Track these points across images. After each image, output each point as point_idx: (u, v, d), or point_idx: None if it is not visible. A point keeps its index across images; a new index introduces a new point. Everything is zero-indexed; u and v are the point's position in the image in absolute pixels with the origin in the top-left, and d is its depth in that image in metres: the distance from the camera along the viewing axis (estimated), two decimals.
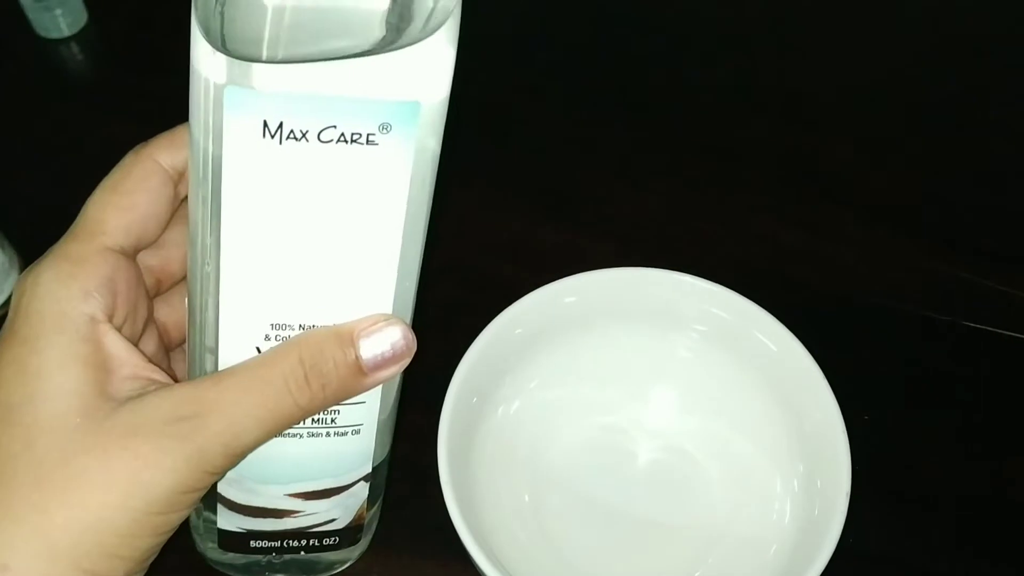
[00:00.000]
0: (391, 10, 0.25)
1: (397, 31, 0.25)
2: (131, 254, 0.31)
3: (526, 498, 0.41)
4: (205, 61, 0.24)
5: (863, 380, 0.47)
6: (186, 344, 0.32)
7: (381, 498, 0.38)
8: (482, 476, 0.40)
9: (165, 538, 0.29)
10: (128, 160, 0.31)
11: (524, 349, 0.42)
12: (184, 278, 0.32)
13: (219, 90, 0.25)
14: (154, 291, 0.33)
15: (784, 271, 0.51)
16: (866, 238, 0.53)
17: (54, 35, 0.59)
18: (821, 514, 0.37)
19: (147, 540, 0.28)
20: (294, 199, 0.27)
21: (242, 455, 0.29)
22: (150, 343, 0.33)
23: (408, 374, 0.45)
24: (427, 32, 0.25)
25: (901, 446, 0.46)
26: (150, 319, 0.33)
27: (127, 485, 0.27)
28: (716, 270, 0.43)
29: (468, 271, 0.50)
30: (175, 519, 0.29)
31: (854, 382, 0.41)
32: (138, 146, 0.31)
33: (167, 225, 0.32)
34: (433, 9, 0.25)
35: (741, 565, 0.39)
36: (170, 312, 0.34)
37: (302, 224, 0.27)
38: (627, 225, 0.53)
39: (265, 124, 0.25)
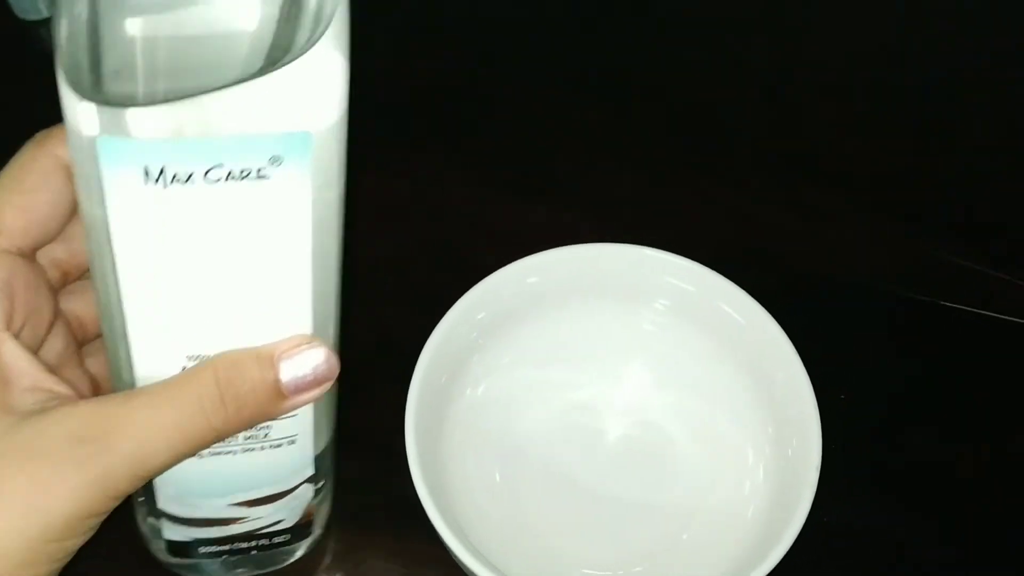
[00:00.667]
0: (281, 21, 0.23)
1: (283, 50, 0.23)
2: (30, 254, 0.29)
3: (497, 477, 0.41)
4: (73, 111, 0.23)
5: (841, 360, 0.47)
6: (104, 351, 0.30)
7: (330, 485, 0.37)
8: (452, 455, 0.40)
9: (62, 564, 0.28)
10: (28, 154, 0.29)
11: (492, 328, 0.42)
12: None
13: (92, 142, 0.23)
14: (60, 283, 0.32)
15: (764, 250, 0.51)
16: (847, 217, 0.52)
17: (32, 16, 0.58)
18: (792, 488, 0.37)
19: (43, 568, 0.27)
20: (188, 239, 0.26)
21: (149, 478, 0.28)
22: (57, 342, 0.31)
23: (383, 355, 0.45)
24: (311, 43, 0.23)
25: (878, 426, 0.46)
26: (56, 318, 0.31)
27: (23, 511, 0.26)
28: (695, 248, 0.43)
29: (443, 252, 0.50)
30: (74, 545, 0.27)
31: (832, 361, 0.40)
32: (39, 135, 0.29)
33: (71, 218, 0.30)
34: (319, 12, 0.23)
35: (714, 540, 0.39)
36: (83, 305, 0.32)
37: (203, 261, 0.26)
38: (606, 204, 0.52)
39: (146, 171, 0.23)
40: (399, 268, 0.49)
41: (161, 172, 0.24)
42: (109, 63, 0.23)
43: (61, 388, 0.28)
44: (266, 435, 0.31)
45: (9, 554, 0.26)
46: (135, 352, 0.28)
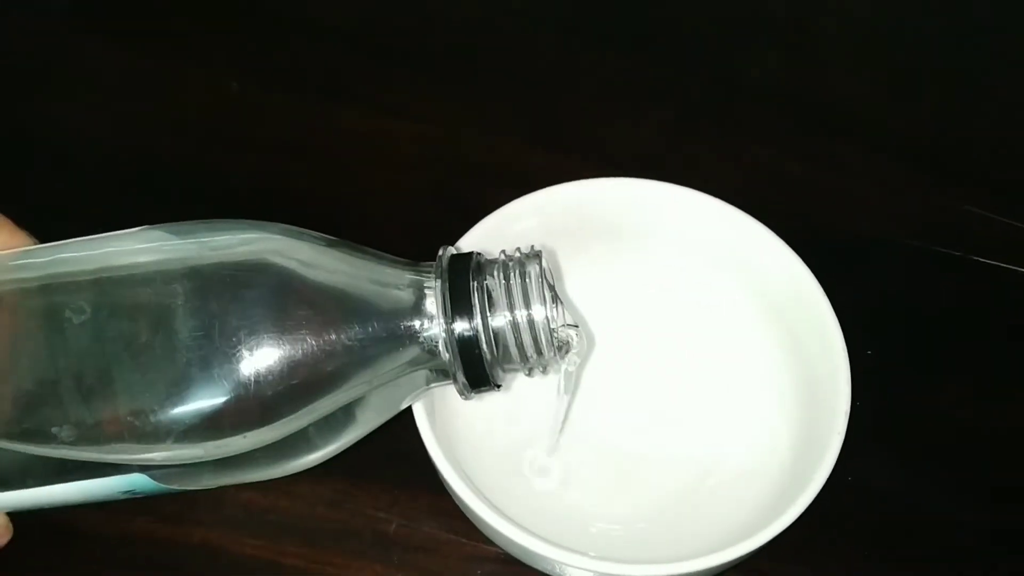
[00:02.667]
0: None
1: None
2: None
3: (506, 427, 0.39)
4: None
5: (867, 314, 0.44)
6: None
7: None
8: (458, 405, 0.38)
9: None
10: None
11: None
12: None
13: None
14: None
15: (786, 202, 0.49)
16: (873, 171, 0.50)
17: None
18: (817, 443, 0.35)
19: None
20: None
21: None
22: None
23: None
24: None
25: (905, 382, 0.44)
26: None
27: None
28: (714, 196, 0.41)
29: (450, 193, 0.48)
30: None
31: (858, 316, 0.38)
32: None
33: None
34: None
35: (734, 493, 0.37)
36: None
37: None
38: (621, 151, 0.50)
39: None
40: (409, 214, 0.47)
41: None
42: None
43: None
44: None
45: None
46: None
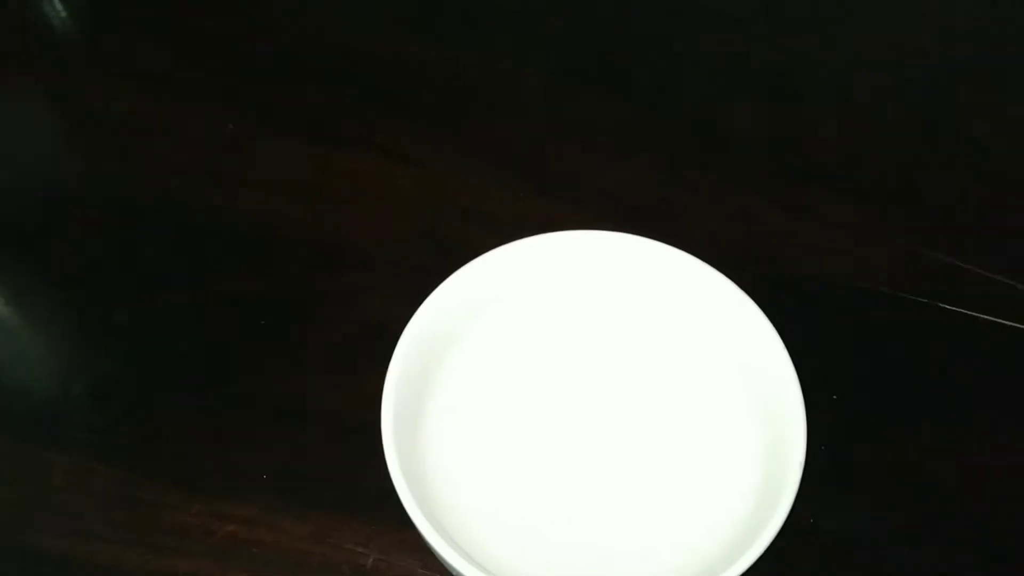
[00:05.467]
0: None
1: None
2: None
3: (476, 466, 0.41)
4: None
5: (833, 360, 0.46)
6: None
7: None
8: (430, 442, 0.40)
9: None
10: None
11: (476, 314, 0.41)
12: None
13: None
14: None
15: (759, 249, 0.50)
16: (849, 219, 0.52)
17: None
18: (775, 487, 0.36)
19: None
20: None
21: None
22: None
23: (367, 340, 0.45)
24: None
25: (869, 427, 0.45)
26: None
27: None
28: (690, 244, 0.42)
29: (442, 239, 0.50)
30: None
31: (824, 362, 0.40)
32: None
33: None
34: None
35: (694, 537, 0.38)
36: None
37: None
38: (604, 199, 0.52)
39: None
40: (392, 254, 0.49)
41: None
42: None
43: None
44: None
45: None
46: None
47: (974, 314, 0.48)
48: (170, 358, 0.46)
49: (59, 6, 0.59)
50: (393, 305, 0.46)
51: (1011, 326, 0.48)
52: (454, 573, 0.36)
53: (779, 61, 0.59)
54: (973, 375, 0.47)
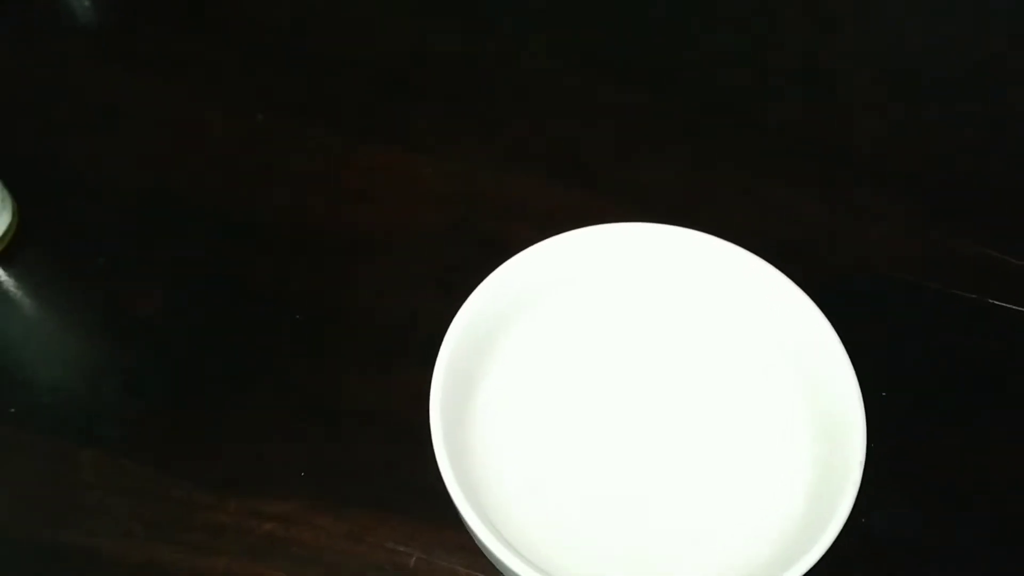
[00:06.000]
0: None
1: None
2: None
3: (525, 463, 0.40)
4: None
5: (881, 357, 0.45)
6: None
7: None
8: (478, 439, 0.39)
9: None
10: None
11: (520, 309, 0.41)
12: None
13: None
14: None
15: (805, 243, 0.49)
16: (892, 213, 0.51)
17: None
18: (832, 487, 0.35)
19: None
20: None
21: None
22: None
23: (410, 336, 0.44)
24: None
25: (919, 425, 0.44)
26: None
27: None
28: (730, 237, 0.41)
29: (476, 231, 0.49)
30: None
31: (872, 359, 0.39)
32: None
33: None
34: None
35: (752, 540, 0.37)
36: None
37: None
38: (644, 190, 0.51)
39: None
40: (431, 249, 0.48)
41: None
42: None
43: None
44: None
45: None
46: None
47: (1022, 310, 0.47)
48: (202, 353, 0.45)
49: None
50: (428, 299, 0.45)
51: None
52: (503, 570, 0.35)
53: (816, 51, 0.58)
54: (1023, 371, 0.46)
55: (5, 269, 0.47)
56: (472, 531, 0.34)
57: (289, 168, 0.51)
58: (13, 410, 0.43)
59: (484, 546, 0.34)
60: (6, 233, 0.47)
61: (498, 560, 0.34)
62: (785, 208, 0.51)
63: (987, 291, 0.48)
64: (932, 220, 0.50)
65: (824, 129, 0.54)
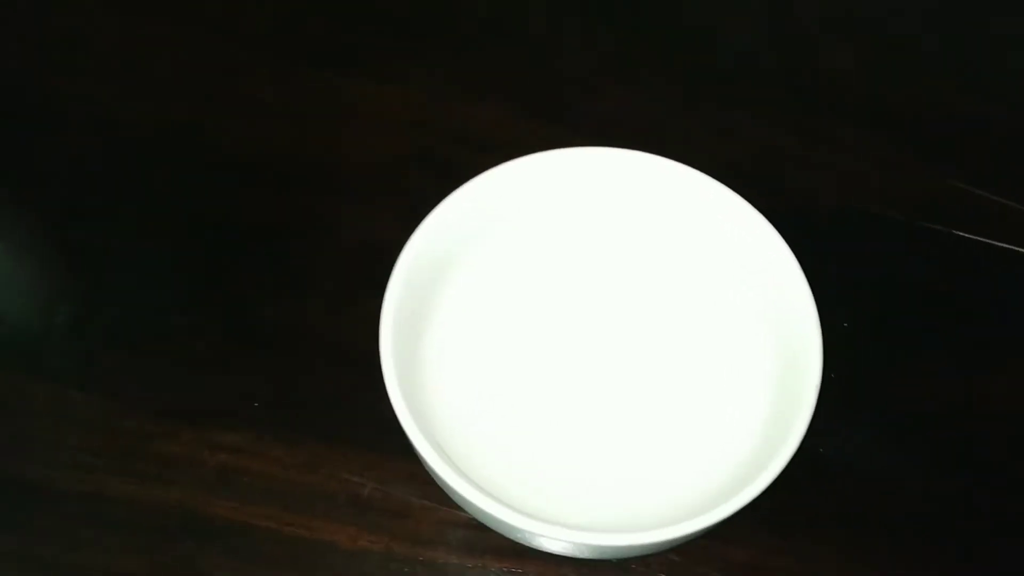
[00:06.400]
0: None
1: None
2: None
3: (479, 392, 0.39)
4: None
5: (847, 287, 0.45)
6: None
7: None
8: (431, 368, 0.38)
9: None
10: None
11: (476, 235, 0.40)
12: None
13: None
14: None
15: (772, 175, 0.48)
16: (861, 146, 0.50)
17: None
18: (787, 414, 0.35)
19: None
20: None
21: None
22: None
23: (366, 262, 0.43)
24: None
25: (880, 355, 0.44)
26: None
27: None
28: (697, 166, 0.40)
29: (437, 161, 0.48)
30: None
31: (835, 289, 0.38)
32: None
33: None
34: None
35: (709, 464, 0.37)
36: None
37: None
38: (605, 121, 0.50)
39: None
40: (392, 180, 0.47)
41: None
42: None
43: None
44: None
45: None
46: None
47: (990, 241, 0.47)
48: (156, 282, 0.44)
49: None
50: (388, 228, 0.44)
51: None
52: (456, 499, 0.34)
53: None
54: (989, 303, 0.46)
55: None
56: (423, 458, 0.34)
57: (247, 98, 0.50)
58: None
59: (435, 473, 0.33)
60: None
61: (449, 487, 0.33)
62: (749, 137, 0.50)
63: (952, 223, 0.47)
64: (897, 151, 0.50)
65: (790, 58, 0.53)
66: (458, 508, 0.39)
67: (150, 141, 0.48)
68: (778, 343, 0.38)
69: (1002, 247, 0.47)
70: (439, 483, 0.34)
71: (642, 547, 0.34)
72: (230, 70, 0.51)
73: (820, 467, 0.40)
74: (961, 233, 0.47)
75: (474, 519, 0.38)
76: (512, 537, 0.36)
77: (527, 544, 0.36)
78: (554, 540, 0.33)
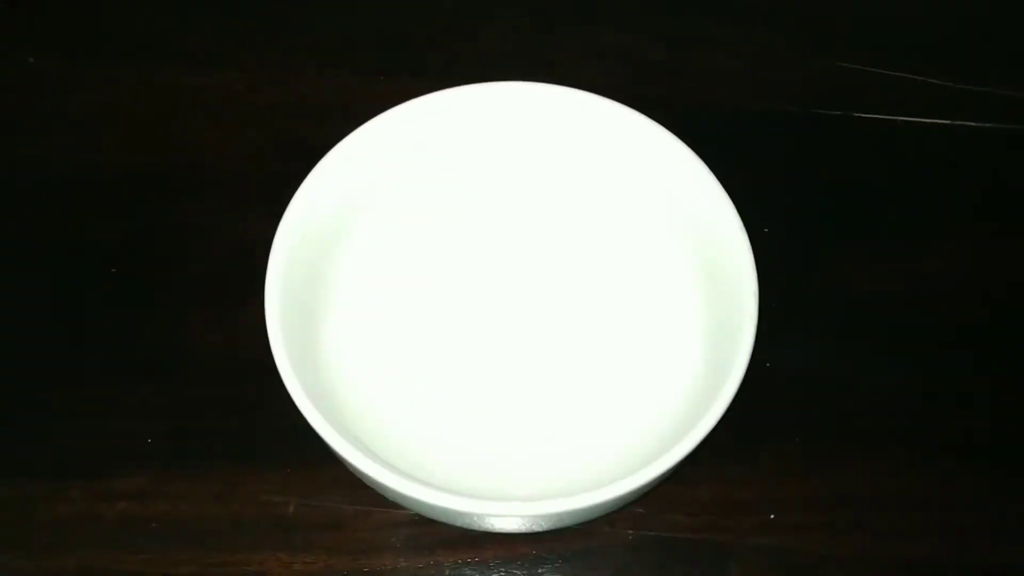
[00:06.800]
0: None
1: None
2: None
3: (393, 379, 0.35)
4: None
5: (758, 191, 0.42)
6: None
7: None
8: (333, 361, 0.34)
9: None
10: None
11: (358, 205, 0.36)
12: None
13: None
14: None
15: (652, 88, 0.46)
16: (738, 43, 0.47)
17: None
18: (730, 336, 0.32)
19: None
20: None
21: None
22: None
23: (245, 264, 0.39)
24: None
25: (804, 257, 0.42)
26: None
27: None
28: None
29: (297, 139, 0.44)
30: None
31: (745, 195, 0.36)
32: None
33: None
34: None
35: (656, 403, 0.34)
36: None
37: None
38: (465, 62, 0.46)
39: None
40: (254, 169, 0.43)
41: None
42: None
43: None
44: None
45: None
46: None
47: (888, 117, 0.45)
48: (12, 326, 0.39)
49: None
50: (258, 222, 0.40)
51: (929, 123, 0.45)
52: (393, 497, 0.31)
53: None
54: (903, 182, 0.44)
55: None
56: (347, 461, 0.30)
57: (75, 110, 0.45)
58: None
59: (364, 474, 0.30)
60: None
61: (383, 486, 0.30)
62: (626, 56, 0.47)
63: (850, 106, 0.45)
64: (779, 43, 0.47)
65: None
66: (395, 506, 0.35)
67: None
68: (706, 263, 0.35)
69: (906, 121, 0.45)
70: (370, 484, 0.31)
71: (603, 505, 0.31)
72: (50, 83, 0.45)
73: (770, 382, 0.38)
74: (859, 114, 0.45)
75: (415, 514, 0.35)
76: (460, 524, 0.33)
77: (478, 528, 0.33)
78: (510, 517, 0.30)
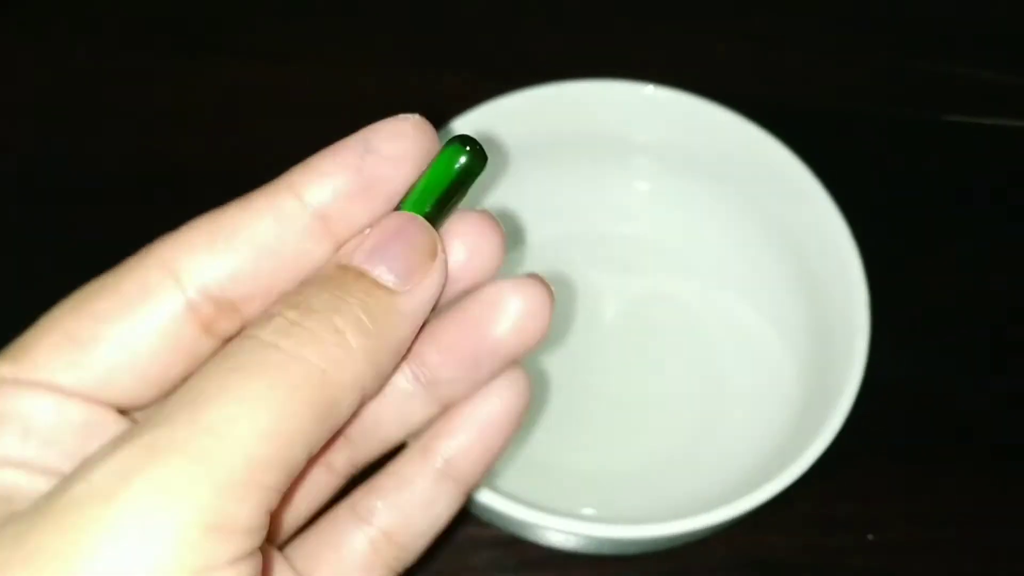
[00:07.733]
0: None
1: None
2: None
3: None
4: None
5: (843, 191, 0.41)
6: None
7: None
8: None
9: None
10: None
11: None
12: None
13: None
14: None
15: (737, 88, 0.44)
16: (823, 43, 0.46)
17: None
18: (839, 348, 0.31)
19: None
20: None
21: None
22: None
23: None
24: None
25: (895, 260, 0.40)
26: None
27: None
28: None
29: None
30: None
31: (834, 194, 0.34)
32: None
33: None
34: None
35: (754, 426, 0.33)
36: None
37: None
38: (544, 63, 0.45)
39: None
40: None
41: None
42: None
43: None
44: None
45: None
46: None
47: (981, 121, 0.43)
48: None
49: None
50: None
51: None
52: (477, 511, 0.29)
53: None
54: (991, 187, 0.42)
55: None
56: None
57: (138, 104, 0.43)
58: None
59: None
60: None
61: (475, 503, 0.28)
62: (709, 56, 0.45)
63: (940, 107, 0.43)
64: (867, 44, 0.46)
65: None
66: (479, 524, 0.33)
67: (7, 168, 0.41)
68: (806, 279, 0.34)
69: (992, 124, 0.43)
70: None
71: (710, 528, 0.29)
72: (102, 76, 0.44)
73: (866, 394, 0.36)
74: (952, 118, 0.43)
75: (499, 532, 0.33)
76: (548, 541, 0.31)
77: (570, 550, 0.31)
78: (614, 540, 0.28)
